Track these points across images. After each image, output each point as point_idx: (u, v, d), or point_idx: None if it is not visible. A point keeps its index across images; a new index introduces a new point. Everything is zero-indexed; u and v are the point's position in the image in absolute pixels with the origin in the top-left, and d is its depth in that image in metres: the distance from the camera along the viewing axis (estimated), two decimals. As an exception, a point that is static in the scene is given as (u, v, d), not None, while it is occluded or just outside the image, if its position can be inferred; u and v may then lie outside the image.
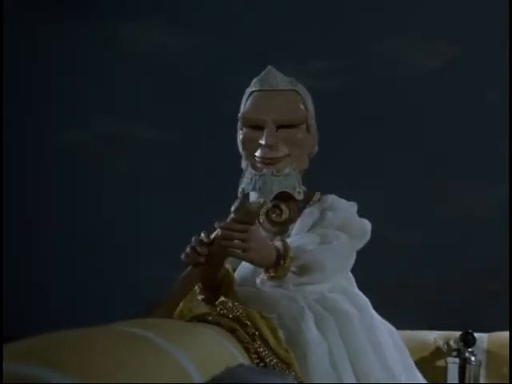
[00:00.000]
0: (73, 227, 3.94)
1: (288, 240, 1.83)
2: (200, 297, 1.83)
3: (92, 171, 3.97)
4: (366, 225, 1.96)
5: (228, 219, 1.76)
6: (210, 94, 3.59)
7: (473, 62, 3.74)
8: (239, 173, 2.02)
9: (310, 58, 3.85)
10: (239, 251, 1.71)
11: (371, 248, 3.52)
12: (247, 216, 1.73)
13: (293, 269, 1.77)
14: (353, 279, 2.00)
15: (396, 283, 3.54)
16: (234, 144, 2.10)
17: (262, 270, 1.80)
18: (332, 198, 1.98)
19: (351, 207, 1.98)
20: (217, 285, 1.83)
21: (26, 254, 3.91)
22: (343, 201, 1.98)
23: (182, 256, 1.78)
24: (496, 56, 3.70)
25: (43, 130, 3.99)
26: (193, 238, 1.77)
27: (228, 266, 1.88)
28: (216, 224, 1.76)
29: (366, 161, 3.73)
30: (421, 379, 1.86)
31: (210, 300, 1.81)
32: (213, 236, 1.74)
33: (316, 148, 2.07)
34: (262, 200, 1.84)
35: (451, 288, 3.56)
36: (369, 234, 1.96)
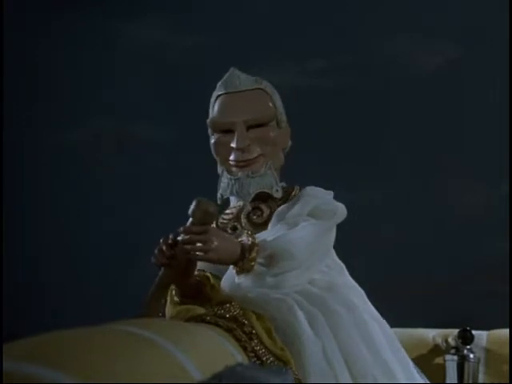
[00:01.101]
0: (72, 227, 3.93)
1: (256, 235, 1.81)
2: (176, 299, 1.84)
3: (92, 171, 3.97)
4: (339, 207, 1.92)
5: (188, 223, 1.77)
6: (210, 94, 3.59)
7: (474, 62, 3.74)
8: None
9: (309, 57, 3.84)
10: (201, 253, 1.71)
11: (370, 247, 3.53)
12: (204, 217, 1.73)
13: (260, 260, 1.75)
14: (344, 268, 1.98)
15: (395, 283, 3.53)
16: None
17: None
18: (310, 189, 1.96)
19: (326, 194, 1.95)
20: (193, 290, 1.83)
21: (25, 254, 3.90)
22: (319, 189, 1.96)
23: (152, 257, 1.79)
24: (497, 56, 3.70)
25: (43, 130, 3.99)
26: (160, 240, 1.77)
27: (206, 271, 1.88)
28: (180, 229, 1.76)
29: (365, 160, 3.73)
30: (416, 375, 1.86)
31: (185, 305, 1.81)
32: (178, 238, 1.75)
33: (289, 142, 2.06)
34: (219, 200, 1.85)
35: (451, 288, 3.56)
36: (340, 214, 1.91)
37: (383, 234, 3.53)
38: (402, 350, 1.86)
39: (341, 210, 1.92)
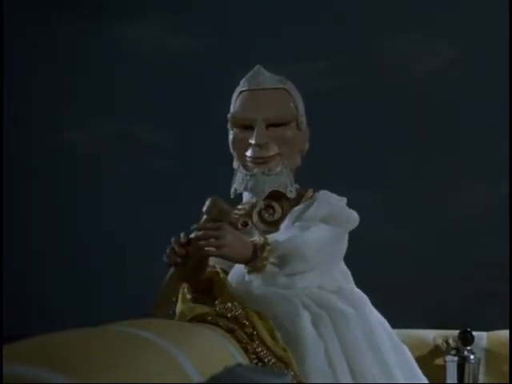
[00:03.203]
0: (72, 227, 3.93)
1: (269, 236, 1.82)
2: (188, 296, 1.84)
3: (92, 171, 3.97)
4: (352, 214, 1.94)
5: (201, 221, 1.78)
6: (210, 94, 3.59)
7: (474, 62, 3.74)
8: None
9: (310, 57, 3.84)
10: (213, 249, 1.72)
11: (371, 247, 3.53)
12: (219, 214, 1.75)
13: (272, 260, 1.77)
14: (349, 274, 2.00)
15: (395, 282, 3.53)
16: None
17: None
18: (324, 194, 1.98)
19: (340, 201, 1.97)
20: (205, 286, 1.83)
21: (25, 254, 3.90)
22: (333, 195, 1.98)
23: (164, 257, 1.79)
24: (497, 56, 3.70)
25: (43, 130, 3.99)
26: (172, 239, 1.78)
27: (217, 266, 1.89)
28: (193, 226, 1.77)
29: (365, 161, 3.73)
30: (421, 376, 1.86)
31: (198, 301, 1.82)
32: (190, 236, 1.76)
33: (307, 145, 2.07)
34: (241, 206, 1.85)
35: (451, 288, 3.56)
36: (353, 222, 1.94)
37: (383, 234, 3.53)
38: (407, 352, 1.87)
39: (353, 218, 1.94)
